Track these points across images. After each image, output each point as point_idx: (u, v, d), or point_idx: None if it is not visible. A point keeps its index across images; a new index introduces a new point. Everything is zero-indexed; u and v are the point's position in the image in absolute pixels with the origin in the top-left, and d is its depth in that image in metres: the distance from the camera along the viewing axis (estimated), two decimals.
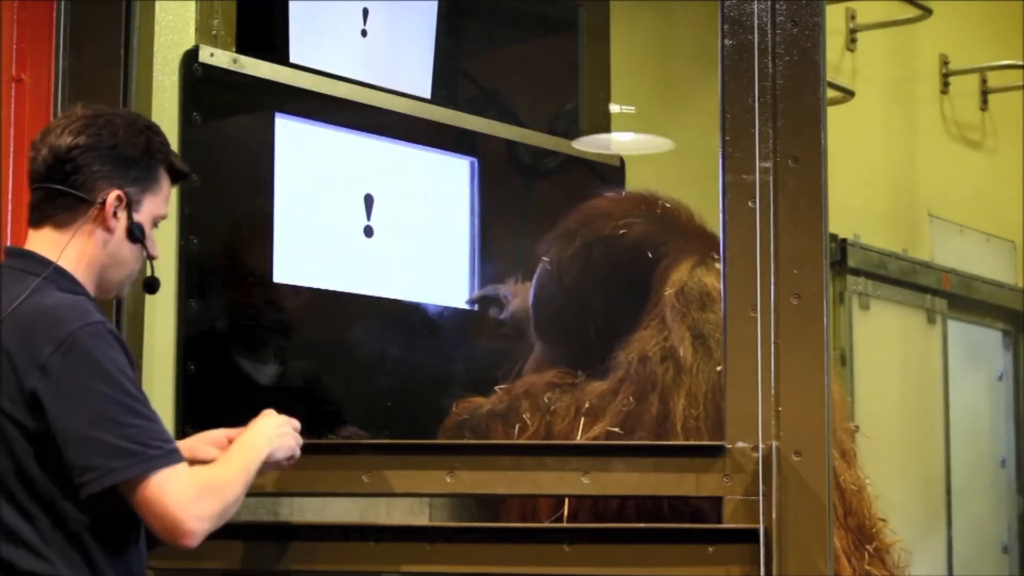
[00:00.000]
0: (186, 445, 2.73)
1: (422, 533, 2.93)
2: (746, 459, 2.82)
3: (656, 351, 3.20)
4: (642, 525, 3.03)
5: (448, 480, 2.92)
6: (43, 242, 2.60)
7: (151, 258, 2.68)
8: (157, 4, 3.42)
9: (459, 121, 4.29)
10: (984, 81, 5.88)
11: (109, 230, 2.59)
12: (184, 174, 2.73)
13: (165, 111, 3.48)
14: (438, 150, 4.24)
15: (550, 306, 3.54)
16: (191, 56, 3.57)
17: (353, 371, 3.99)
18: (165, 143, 2.68)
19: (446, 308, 4.19)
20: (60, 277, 2.55)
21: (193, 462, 2.60)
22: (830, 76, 3.46)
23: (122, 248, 2.61)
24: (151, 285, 2.72)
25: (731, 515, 2.82)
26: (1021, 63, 5.66)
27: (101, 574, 2.48)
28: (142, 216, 2.62)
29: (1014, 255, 6.06)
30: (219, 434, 2.80)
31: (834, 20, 4.88)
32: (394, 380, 4.02)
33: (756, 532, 2.77)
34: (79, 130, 2.58)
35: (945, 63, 5.66)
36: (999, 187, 5.90)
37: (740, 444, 2.82)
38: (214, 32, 3.64)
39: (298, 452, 2.73)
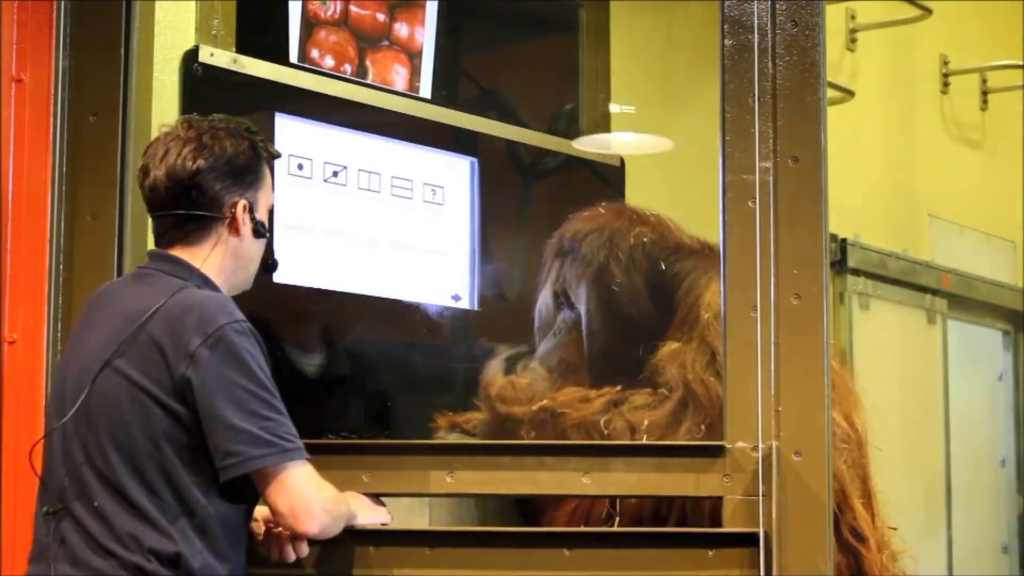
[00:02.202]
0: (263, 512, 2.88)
1: (422, 537, 2.92)
2: (746, 459, 2.81)
3: (710, 372, 3.21)
4: (642, 529, 3.02)
5: (448, 480, 2.92)
6: (180, 254, 2.74)
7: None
8: (157, 4, 3.42)
9: (459, 121, 4.29)
10: (984, 81, 5.88)
11: (239, 236, 2.76)
12: (277, 156, 2.88)
13: (165, 111, 3.47)
14: (438, 150, 4.24)
15: (613, 328, 3.55)
16: (191, 56, 3.57)
17: (353, 371, 3.99)
18: (263, 138, 2.83)
19: (446, 308, 4.20)
20: (205, 284, 2.72)
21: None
22: (830, 76, 3.46)
23: (251, 247, 2.79)
24: (273, 267, 2.94)
25: (731, 515, 2.81)
26: (1021, 63, 5.67)
27: (224, 560, 2.62)
28: (260, 212, 2.80)
29: (1014, 255, 6.07)
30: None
31: (834, 20, 4.89)
32: (394, 380, 4.02)
33: (756, 535, 2.77)
34: (194, 154, 2.71)
35: (945, 63, 5.67)
36: (999, 187, 5.91)
37: (740, 444, 2.82)
38: (214, 32, 3.65)
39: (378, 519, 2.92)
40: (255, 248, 2.80)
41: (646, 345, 3.37)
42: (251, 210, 2.76)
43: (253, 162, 2.77)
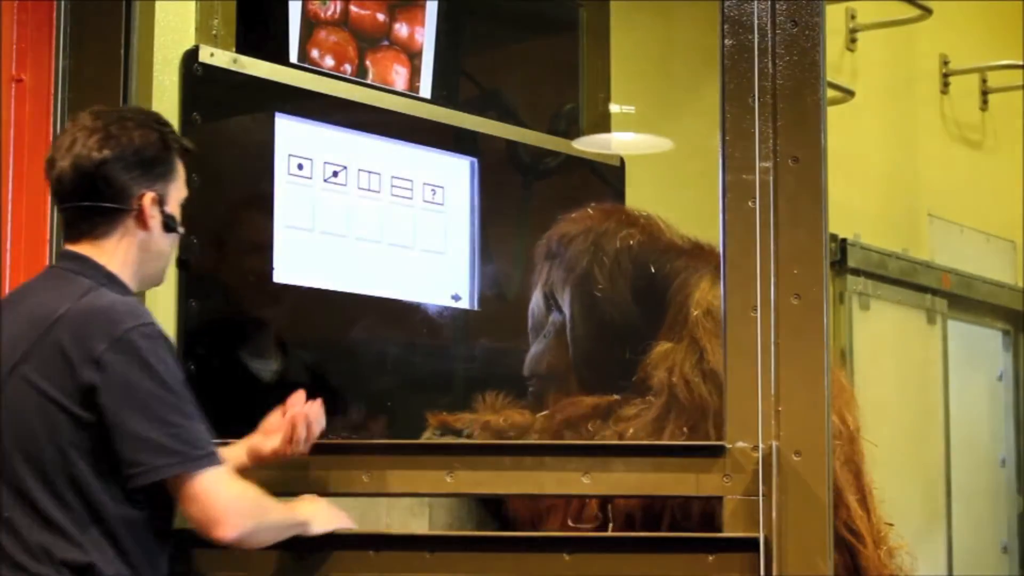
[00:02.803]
0: (247, 443, 2.89)
1: (422, 542, 2.92)
2: (746, 459, 2.81)
3: (696, 372, 3.20)
4: (642, 534, 3.02)
5: (448, 480, 2.92)
6: (86, 250, 2.68)
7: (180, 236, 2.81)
8: (157, 4, 3.42)
9: (459, 121, 4.29)
10: (984, 81, 5.88)
11: (147, 230, 2.70)
12: (190, 150, 2.82)
13: (165, 111, 3.46)
14: (438, 150, 4.24)
15: (598, 333, 3.54)
16: (191, 56, 3.57)
17: (353, 371, 3.99)
18: (173, 129, 2.78)
19: (446, 308, 4.20)
20: (111, 282, 2.65)
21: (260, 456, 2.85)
22: (830, 76, 3.46)
23: (160, 241, 2.73)
24: (186, 263, 2.86)
25: (731, 515, 2.81)
26: (1021, 63, 5.66)
27: (133, 566, 2.57)
28: (171, 206, 2.74)
29: (1014, 255, 6.06)
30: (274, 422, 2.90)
31: (834, 20, 4.88)
32: (394, 380, 4.02)
33: (756, 540, 2.77)
34: (100, 143, 2.66)
35: (945, 63, 5.67)
36: (999, 187, 5.90)
37: (740, 444, 2.82)
38: (214, 32, 3.65)
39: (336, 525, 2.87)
40: (165, 242, 2.73)
41: (633, 349, 3.36)
42: (161, 203, 2.69)
43: (162, 154, 2.71)
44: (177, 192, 2.75)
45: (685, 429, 3.17)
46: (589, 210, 3.68)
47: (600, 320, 3.51)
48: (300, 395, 2.91)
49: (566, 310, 3.56)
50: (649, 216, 3.58)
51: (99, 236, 2.67)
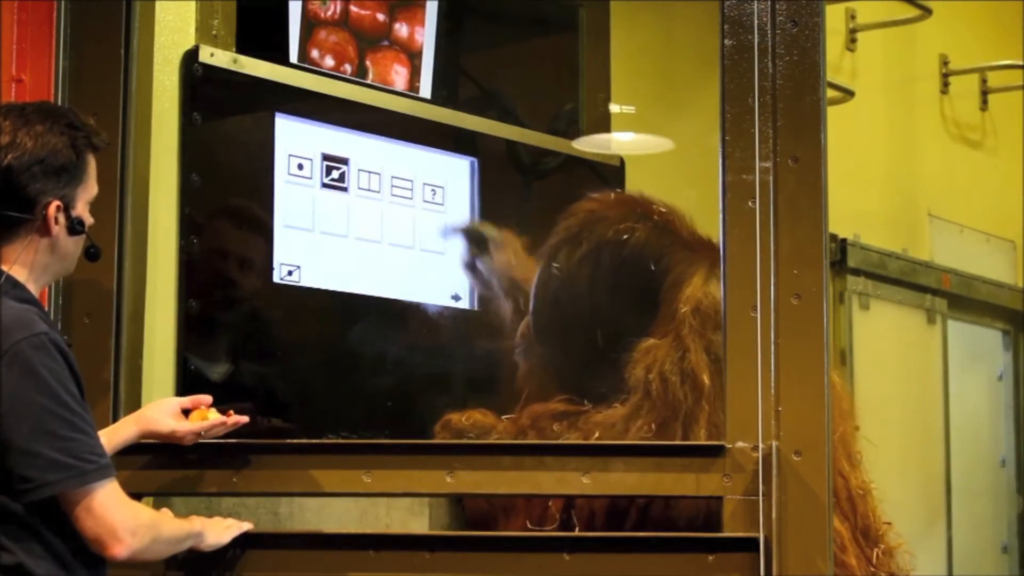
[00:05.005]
0: (142, 416, 2.89)
1: (422, 542, 2.92)
2: (746, 459, 2.82)
3: (675, 370, 3.19)
4: (643, 534, 3.02)
5: (448, 480, 2.92)
6: None
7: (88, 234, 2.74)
8: (157, 4, 3.42)
9: (459, 121, 4.29)
10: (984, 81, 5.88)
11: (52, 235, 2.64)
12: (100, 146, 2.75)
13: (165, 111, 3.48)
14: (438, 150, 4.24)
15: (556, 311, 3.53)
16: (191, 56, 3.57)
17: (353, 371, 3.99)
18: (85, 130, 2.70)
19: (446, 308, 4.20)
20: (12, 287, 2.60)
21: (151, 435, 2.86)
22: (830, 76, 3.47)
23: (65, 245, 2.67)
24: (94, 255, 2.77)
25: (731, 515, 2.82)
26: (1021, 63, 5.66)
27: (65, 565, 2.54)
28: (79, 208, 2.68)
29: (1014, 255, 6.06)
30: (172, 403, 2.91)
31: (834, 20, 4.88)
32: (394, 380, 4.02)
33: (756, 540, 2.77)
34: (5, 151, 2.59)
35: (945, 63, 5.66)
36: (999, 187, 5.90)
37: (740, 444, 2.82)
38: (214, 32, 3.65)
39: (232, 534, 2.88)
40: (71, 244, 2.67)
41: (608, 345, 3.34)
42: (66, 208, 2.63)
43: (71, 160, 2.64)
44: (86, 193, 2.69)
45: (653, 426, 3.16)
46: (612, 194, 3.63)
47: (557, 304, 3.48)
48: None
49: (532, 285, 3.55)
50: (670, 211, 3.51)
51: (2, 243, 2.62)
